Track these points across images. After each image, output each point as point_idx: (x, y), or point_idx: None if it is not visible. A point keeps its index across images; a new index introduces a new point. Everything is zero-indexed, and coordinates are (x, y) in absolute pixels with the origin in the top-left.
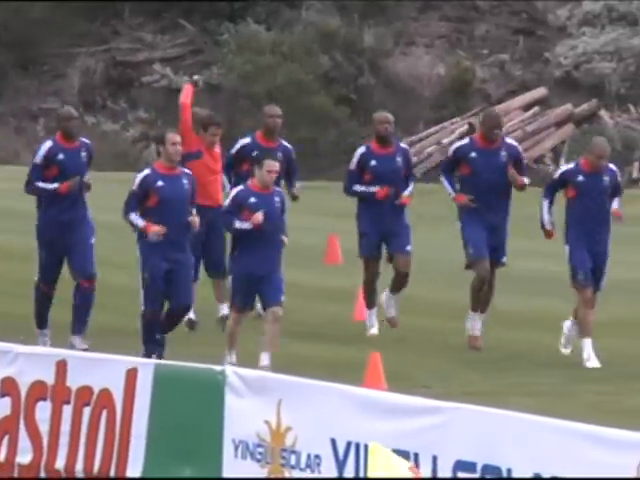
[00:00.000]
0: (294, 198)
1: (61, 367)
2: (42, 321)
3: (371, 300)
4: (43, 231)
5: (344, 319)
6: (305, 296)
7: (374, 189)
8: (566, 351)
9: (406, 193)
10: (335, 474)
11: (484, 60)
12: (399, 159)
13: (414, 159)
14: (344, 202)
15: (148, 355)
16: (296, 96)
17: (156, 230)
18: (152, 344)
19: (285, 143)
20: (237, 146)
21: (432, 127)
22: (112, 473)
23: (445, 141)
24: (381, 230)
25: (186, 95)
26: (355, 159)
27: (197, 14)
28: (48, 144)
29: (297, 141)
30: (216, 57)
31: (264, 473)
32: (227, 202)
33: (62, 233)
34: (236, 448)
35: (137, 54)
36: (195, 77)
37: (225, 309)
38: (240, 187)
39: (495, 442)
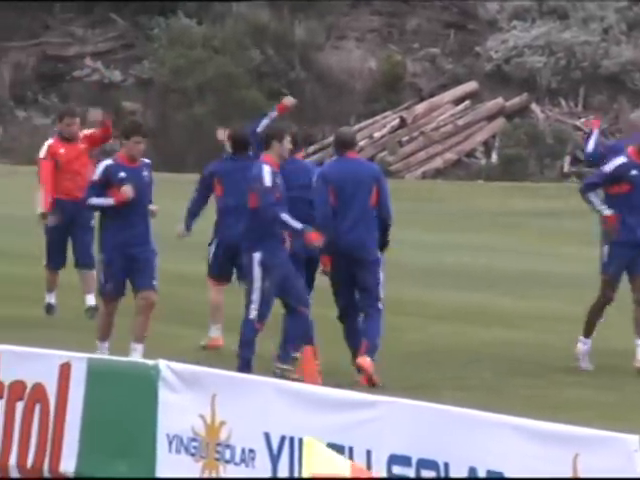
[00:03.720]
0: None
1: None
2: None
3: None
4: None
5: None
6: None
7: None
8: None
9: None
10: (269, 468)
11: (415, 54)
12: None
13: None
14: None
15: None
16: (227, 90)
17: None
18: None
19: None
20: None
21: (364, 121)
22: (46, 468)
23: (377, 135)
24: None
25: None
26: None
27: (128, 8)
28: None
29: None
30: (147, 51)
31: (198, 467)
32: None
33: None
34: (170, 443)
35: (68, 48)
36: None
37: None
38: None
39: (430, 436)
